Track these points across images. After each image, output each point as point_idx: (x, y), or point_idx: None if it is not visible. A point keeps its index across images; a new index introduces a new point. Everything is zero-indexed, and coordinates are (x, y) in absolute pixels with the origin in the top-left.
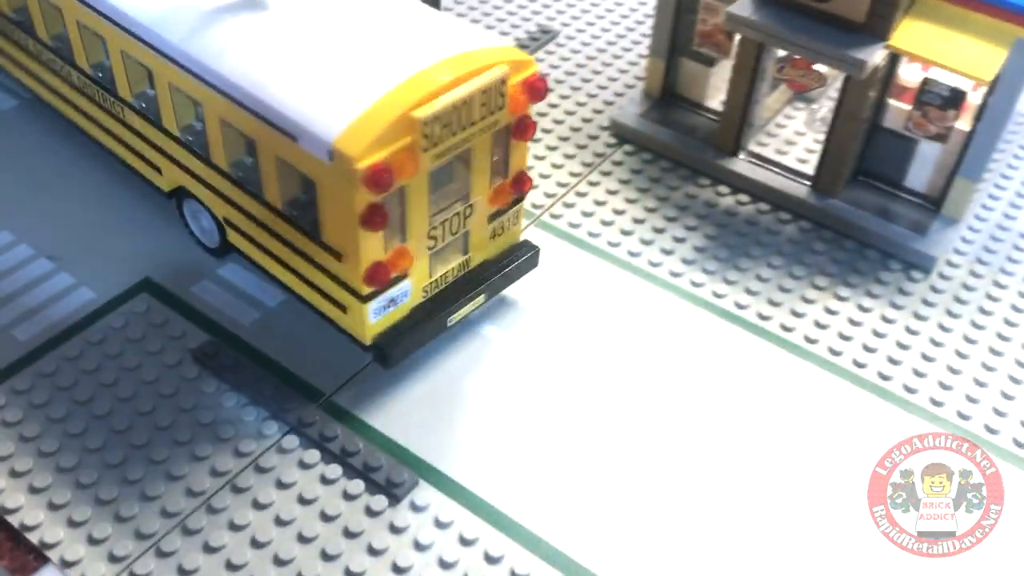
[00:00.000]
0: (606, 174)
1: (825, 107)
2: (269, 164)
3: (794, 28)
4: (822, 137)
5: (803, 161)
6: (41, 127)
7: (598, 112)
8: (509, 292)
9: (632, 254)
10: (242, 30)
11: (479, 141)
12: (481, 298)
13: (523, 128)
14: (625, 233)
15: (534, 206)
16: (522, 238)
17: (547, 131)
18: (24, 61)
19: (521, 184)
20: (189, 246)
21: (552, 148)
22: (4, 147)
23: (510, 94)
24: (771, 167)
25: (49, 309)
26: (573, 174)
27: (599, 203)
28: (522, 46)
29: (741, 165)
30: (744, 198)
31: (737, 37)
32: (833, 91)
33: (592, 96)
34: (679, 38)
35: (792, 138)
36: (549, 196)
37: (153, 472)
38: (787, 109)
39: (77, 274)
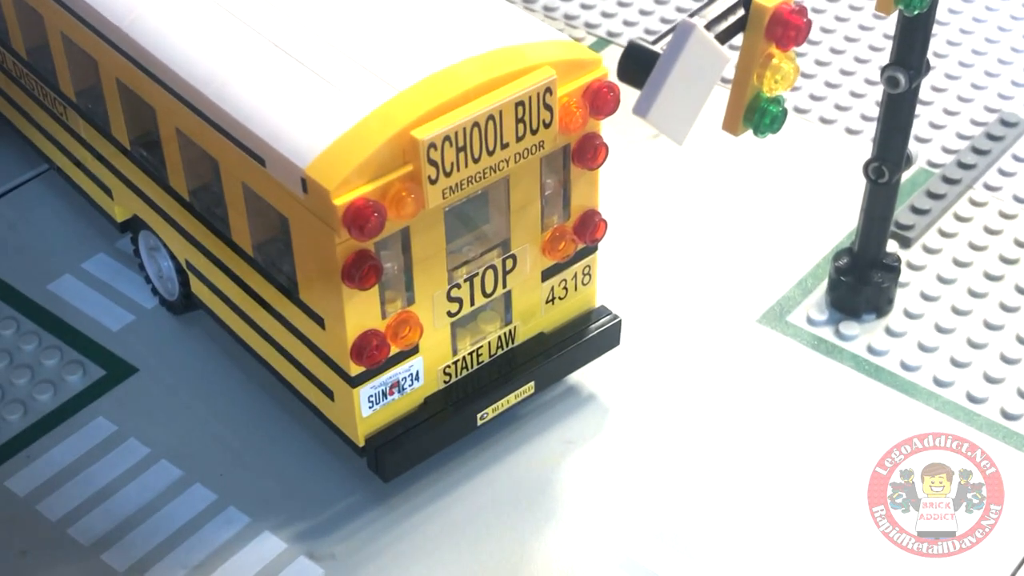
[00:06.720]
0: None
1: None
2: (235, 194)
3: None
4: None
5: None
6: None
7: None
8: None
9: None
10: (214, 15)
11: (520, 170)
12: (529, 386)
13: (589, 152)
14: None
15: None
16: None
17: None
18: None
19: (590, 228)
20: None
21: None
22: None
23: (562, 107)
24: None
25: None
26: None
27: None
28: None
29: None
30: None
31: None
32: None
33: None
34: None
35: None
36: None
37: None
38: None
39: None
